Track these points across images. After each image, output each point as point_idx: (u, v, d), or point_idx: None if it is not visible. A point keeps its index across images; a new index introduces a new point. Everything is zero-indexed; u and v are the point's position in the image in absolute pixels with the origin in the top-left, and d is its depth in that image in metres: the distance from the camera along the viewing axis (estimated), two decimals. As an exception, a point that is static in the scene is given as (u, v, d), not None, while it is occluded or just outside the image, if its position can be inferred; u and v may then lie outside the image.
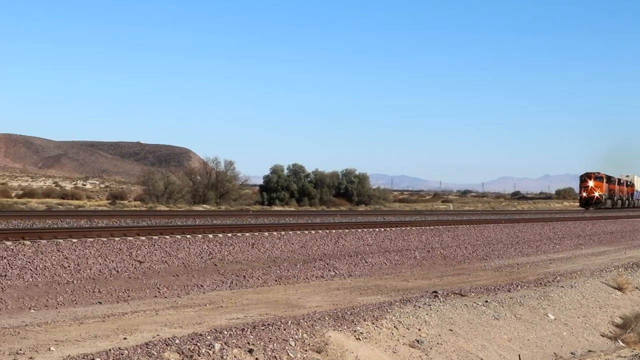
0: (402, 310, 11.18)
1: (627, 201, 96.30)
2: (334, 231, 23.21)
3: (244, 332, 8.88)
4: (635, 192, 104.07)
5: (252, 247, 18.77)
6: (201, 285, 14.08)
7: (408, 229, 26.62)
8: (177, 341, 8.27)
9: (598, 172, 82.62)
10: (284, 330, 9.23)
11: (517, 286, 14.74)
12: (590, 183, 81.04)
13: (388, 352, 9.84)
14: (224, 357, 8.12)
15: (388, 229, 25.72)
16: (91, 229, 19.08)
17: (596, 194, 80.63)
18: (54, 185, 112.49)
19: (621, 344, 13.23)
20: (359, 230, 24.31)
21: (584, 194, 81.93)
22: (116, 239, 17.29)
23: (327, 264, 17.67)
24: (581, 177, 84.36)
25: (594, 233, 35.70)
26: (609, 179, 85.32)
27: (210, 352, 8.11)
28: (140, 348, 7.94)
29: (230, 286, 14.33)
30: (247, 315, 10.81)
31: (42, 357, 7.84)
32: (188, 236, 18.79)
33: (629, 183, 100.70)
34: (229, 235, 19.75)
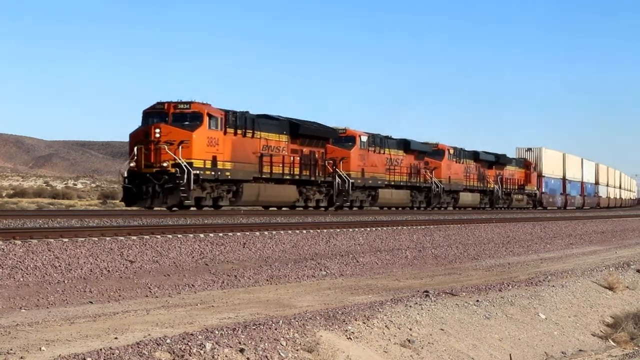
0: (393, 309, 11.19)
1: (479, 196, 56.26)
2: (325, 231, 23.20)
3: (235, 332, 8.88)
4: (545, 182, 63.21)
5: (244, 247, 18.75)
6: (192, 285, 14.06)
7: (399, 228, 26.65)
8: (168, 341, 8.25)
9: (200, 102, 32.50)
10: (275, 329, 9.23)
11: (508, 286, 14.77)
12: (157, 132, 30.94)
13: (379, 351, 9.86)
14: (215, 356, 8.12)
15: (379, 228, 25.73)
16: (82, 229, 19.01)
17: (166, 164, 31.01)
18: (44, 184, 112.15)
19: (612, 343, 13.28)
20: (350, 229, 24.32)
21: (132, 164, 31.58)
22: (107, 238, 17.24)
23: (319, 264, 17.67)
24: (143, 115, 32.62)
25: (585, 232, 35.85)
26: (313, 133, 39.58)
27: (202, 351, 8.11)
28: (132, 347, 7.93)
29: (221, 286, 14.32)
30: (238, 315, 10.80)
31: (32, 357, 7.82)
32: (179, 236, 18.75)
33: (506, 161, 56.94)
34: (220, 234, 19.71)
